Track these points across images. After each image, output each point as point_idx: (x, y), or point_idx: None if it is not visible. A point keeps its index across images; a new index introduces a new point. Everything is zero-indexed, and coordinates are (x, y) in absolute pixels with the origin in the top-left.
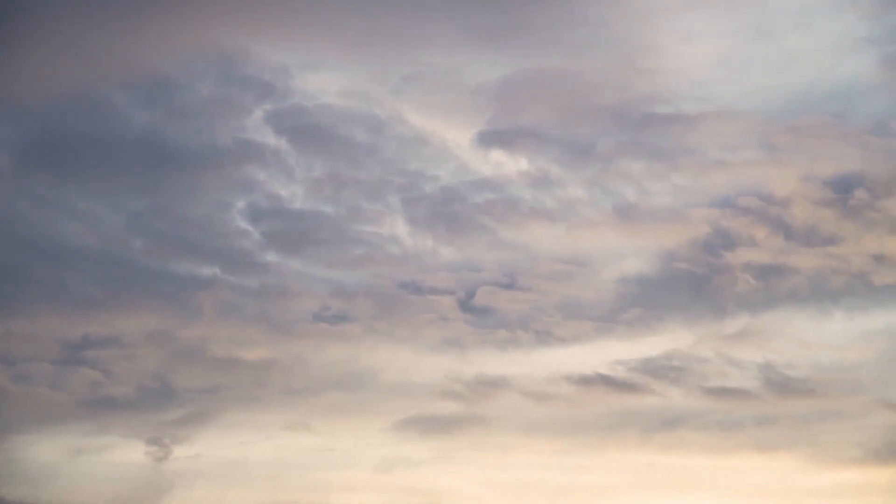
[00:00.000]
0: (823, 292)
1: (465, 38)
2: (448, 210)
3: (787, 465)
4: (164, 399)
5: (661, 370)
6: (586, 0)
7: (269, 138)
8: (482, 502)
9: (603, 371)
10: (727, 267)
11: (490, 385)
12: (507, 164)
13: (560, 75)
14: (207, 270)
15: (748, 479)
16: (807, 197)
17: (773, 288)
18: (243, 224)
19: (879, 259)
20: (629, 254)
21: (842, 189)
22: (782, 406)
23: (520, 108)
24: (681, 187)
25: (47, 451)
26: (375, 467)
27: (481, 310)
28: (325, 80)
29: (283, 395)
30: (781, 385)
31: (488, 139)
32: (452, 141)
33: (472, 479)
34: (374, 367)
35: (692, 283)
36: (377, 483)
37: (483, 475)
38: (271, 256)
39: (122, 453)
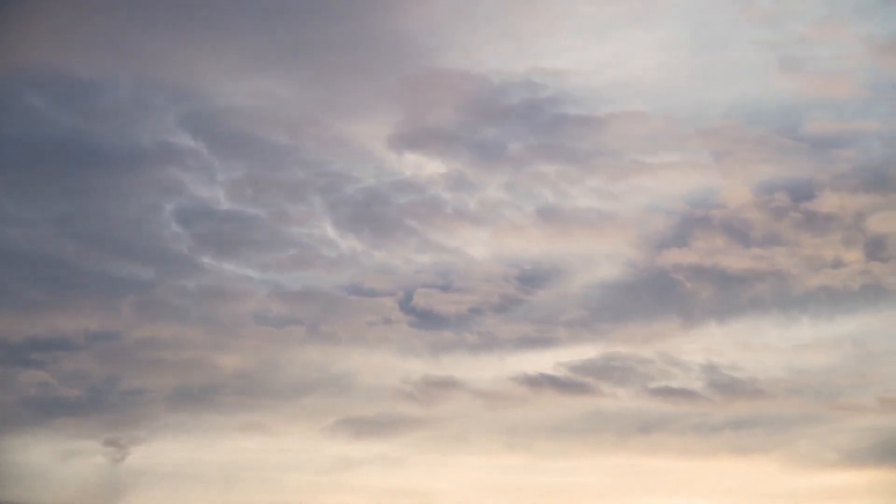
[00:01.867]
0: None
1: (367, 37)
2: (373, 212)
3: (764, 468)
4: (115, 400)
5: (605, 371)
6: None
7: (188, 141)
8: (439, 501)
9: (548, 372)
10: (661, 269)
11: (439, 386)
12: (425, 166)
13: (465, 77)
14: (144, 272)
15: (726, 482)
16: (739, 199)
17: (713, 290)
18: (174, 226)
19: (810, 260)
20: (558, 256)
21: (764, 191)
22: (755, 410)
23: (429, 110)
24: (598, 189)
25: None
26: (328, 468)
27: (422, 311)
28: (235, 83)
29: (236, 397)
30: (748, 389)
31: (401, 141)
32: (368, 142)
33: (429, 478)
34: (323, 369)
35: (631, 285)
36: (330, 483)
37: (438, 474)
38: (206, 258)
39: (76, 454)
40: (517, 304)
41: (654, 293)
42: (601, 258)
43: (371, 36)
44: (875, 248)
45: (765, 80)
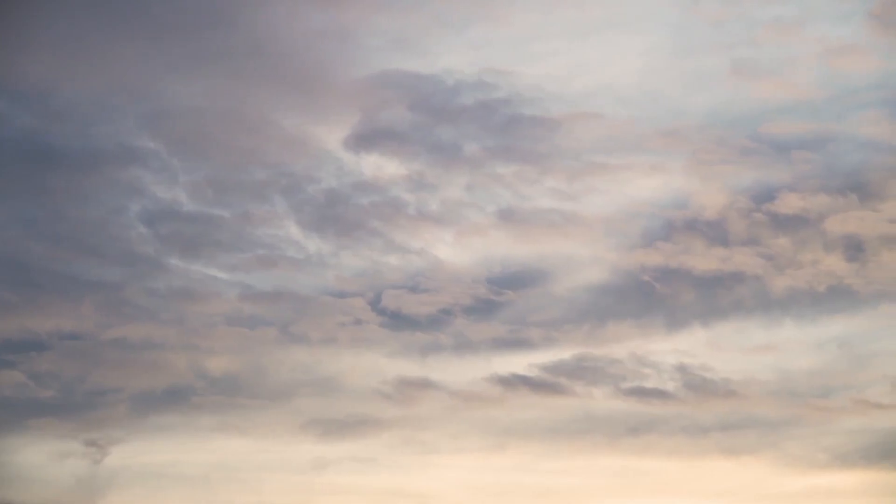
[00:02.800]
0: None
1: (320, 38)
2: (336, 213)
3: (754, 469)
4: (92, 401)
5: (578, 372)
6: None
7: (147, 142)
8: (420, 500)
9: (523, 373)
10: (628, 271)
11: (416, 386)
12: (385, 167)
13: (417, 77)
14: (113, 273)
15: (716, 483)
16: (703, 201)
17: (684, 291)
18: (140, 227)
19: (773, 259)
20: (525, 257)
21: (730, 193)
22: (742, 412)
23: (383, 111)
24: (558, 191)
25: None
26: (306, 468)
27: (392, 313)
28: (190, 83)
29: (212, 398)
30: (736, 392)
31: (358, 142)
32: (326, 143)
33: (408, 477)
34: (298, 370)
35: (600, 287)
36: (308, 484)
37: (417, 473)
38: (173, 259)
39: (56, 455)
40: (488, 305)
41: (624, 295)
42: (568, 260)
43: (324, 36)
44: (849, 249)
45: (723, 83)
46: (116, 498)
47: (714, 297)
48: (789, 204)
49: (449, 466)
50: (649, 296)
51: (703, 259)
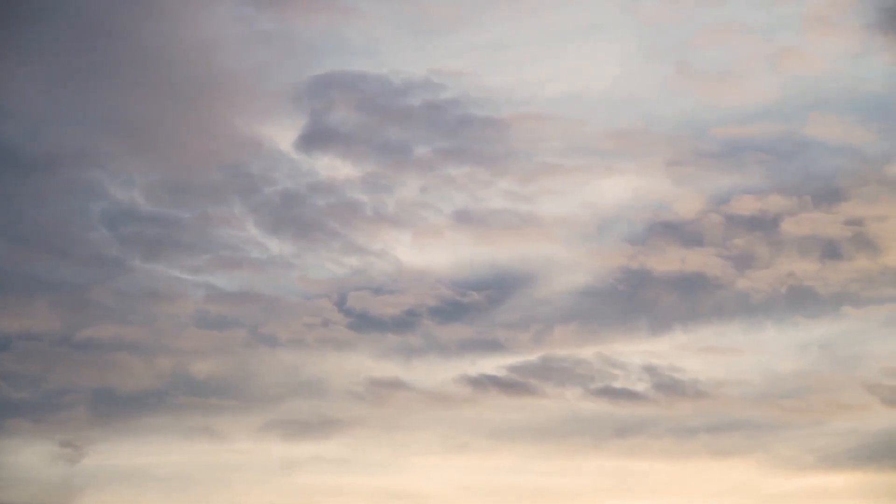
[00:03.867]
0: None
1: (270, 38)
2: (294, 214)
3: (744, 471)
4: (65, 402)
5: (547, 372)
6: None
7: (101, 143)
8: (396, 500)
9: (491, 373)
10: (591, 271)
11: (387, 387)
12: (339, 167)
13: (365, 78)
14: (78, 275)
15: (706, 485)
16: (657, 201)
17: (650, 292)
18: (102, 228)
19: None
20: (485, 260)
21: (685, 194)
22: (730, 414)
23: (334, 112)
24: (512, 192)
25: None
26: (276, 469)
27: (359, 314)
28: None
29: (184, 398)
30: (722, 395)
31: (309, 142)
32: (279, 144)
33: (384, 477)
34: (269, 371)
35: (566, 287)
36: (280, 484)
37: (391, 473)
38: (137, 261)
39: (30, 455)
40: (454, 306)
41: (590, 296)
42: (528, 261)
43: (268, 38)
44: (812, 251)
45: (670, 86)
46: (92, 499)
47: (678, 299)
48: (745, 206)
49: (424, 466)
50: (614, 297)
51: (666, 260)
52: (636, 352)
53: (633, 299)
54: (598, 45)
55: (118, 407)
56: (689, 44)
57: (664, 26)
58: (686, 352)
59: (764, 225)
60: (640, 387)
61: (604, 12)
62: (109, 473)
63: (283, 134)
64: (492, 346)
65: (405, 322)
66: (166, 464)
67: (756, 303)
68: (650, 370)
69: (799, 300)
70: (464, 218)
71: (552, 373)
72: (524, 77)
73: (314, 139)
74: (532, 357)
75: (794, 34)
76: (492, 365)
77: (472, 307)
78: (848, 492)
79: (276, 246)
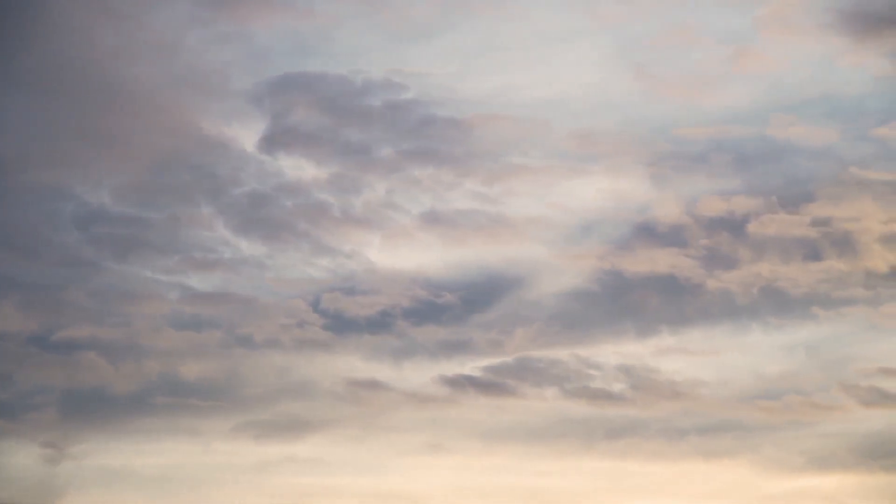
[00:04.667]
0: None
1: (221, 41)
2: (262, 215)
3: (733, 472)
4: (44, 402)
5: (524, 373)
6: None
7: (67, 144)
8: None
9: (468, 373)
10: (563, 271)
11: (365, 387)
12: (304, 168)
13: (325, 78)
14: (51, 276)
15: (697, 486)
16: (623, 201)
17: (621, 293)
18: (73, 230)
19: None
20: (456, 260)
21: (650, 195)
22: (718, 416)
23: (295, 113)
24: (478, 193)
25: None
26: (256, 469)
27: (333, 315)
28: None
29: (164, 399)
30: (706, 397)
31: (272, 143)
32: (245, 145)
33: (363, 477)
34: (248, 372)
35: (541, 288)
36: (258, 484)
37: (369, 473)
38: (110, 262)
39: (12, 455)
40: (428, 307)
41: (566, 297)
42: (499, 262)
43: (227, 40)
44: (776, 252)
45: (629, 87)
46: (73, 499)
47: (651, 300)
48: (713, 207)
49: (405, 466)
50: (587, 299)
51: (637, 262)
52: (613, 352)
53: (605, 300)
54: (559, 47)
55: (95, 407)
56: (650, 46)
57: (624, 28)
58: (661, 352)
59: (732, 226)
60: (617, 387)
61: (565, 15)
62: (90, 474)
63: (246, 135)
64: (467, 347)
65: (380, 323)
66: (146, 465)
67: (729, 303)
68: (626, 370)
69: (771, 301)
70: (432, 219)
71: (529, 373)
72: (485, 78)
73: (277, 140)
74: (508, 358)
75: (753, 35)
76: (468, 366)
77: (446, 308)
78: (838, 493)
79: (248, 247)
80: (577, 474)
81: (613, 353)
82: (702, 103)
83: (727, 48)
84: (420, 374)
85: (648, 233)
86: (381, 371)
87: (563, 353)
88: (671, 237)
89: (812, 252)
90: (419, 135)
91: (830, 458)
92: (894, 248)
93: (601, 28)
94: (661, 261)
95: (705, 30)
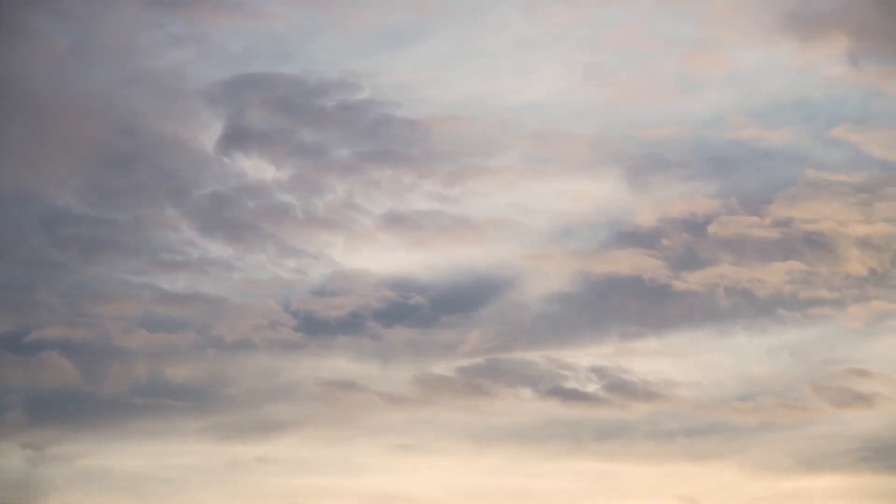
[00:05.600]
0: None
1: (173, 42)
2: (226, 216)
3: (722, 474)
4: (21, 402)
5: (496, 374)
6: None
7: (28, 146)
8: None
9: (443, 373)
10: (530, 272)
11: (340, 388)
12: (264, 170)
13: (277, 79)
14: (21, 277)
15: (686, 487)
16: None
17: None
18: (40, 231)
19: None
20: (421, 261)
21: (609, 195)
22: (708, 419)
23: (250, 113)
24: (437, 194)
25: None
26: (232, 469)
27: (305, 315)
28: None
29: (140, 400)
30: (694, 399)
31: (230, 144)
32: (202, 146)
33: (338, 477)
34: (223, 372)
35: (504, 289)
36: (233, 484)
37: (342, 472)
38: (78, 263)
39: None
40: (399, 308)
41: (537, 298)
42: (464, 263)
43: (180, 41)
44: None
45: (579, 88)
46: (52, 499)
47: (616, 301)
48: (672, 208)
49: (380, 466)
50: (559, 299)
51: (603, 262)
52: (585, 354)
53: (576, 302)
54: (508, 46)
55: (70, 409)
56: (598, 47)
57: (575, 32)
58: (633, 353)
59: (694, 227)
60: (591, 388)
61: (511, 15)
62: (66, 474)
63: (205, 135)
64: (439, 349)
65: (351, 324)
66: (122, 466)
67: (699, 305)
68: (599, 372)
69: (735, 302)
70: (393, 220)
71: (501, 375)
72: (439, 78)
73: (234, 141)
74: (480, 359)
75: (701, 38)
76: (441, 367)
77: (415, 310)
78: (826, 494)
79: (214, 248)
80: (556, 475)
81: (585, 354)
82: (657, 106)
83: (677, 51)
84: (394, 374)
85: (614, 234)
86: (356, 372)
87: (535, 355)
88: (640, 239)
89: (774, 253)
90: (375, 135)
91: (819, 460)
92: (856, 249)
93: (549, 30)
94: (628, 262)
95: (651, 29)
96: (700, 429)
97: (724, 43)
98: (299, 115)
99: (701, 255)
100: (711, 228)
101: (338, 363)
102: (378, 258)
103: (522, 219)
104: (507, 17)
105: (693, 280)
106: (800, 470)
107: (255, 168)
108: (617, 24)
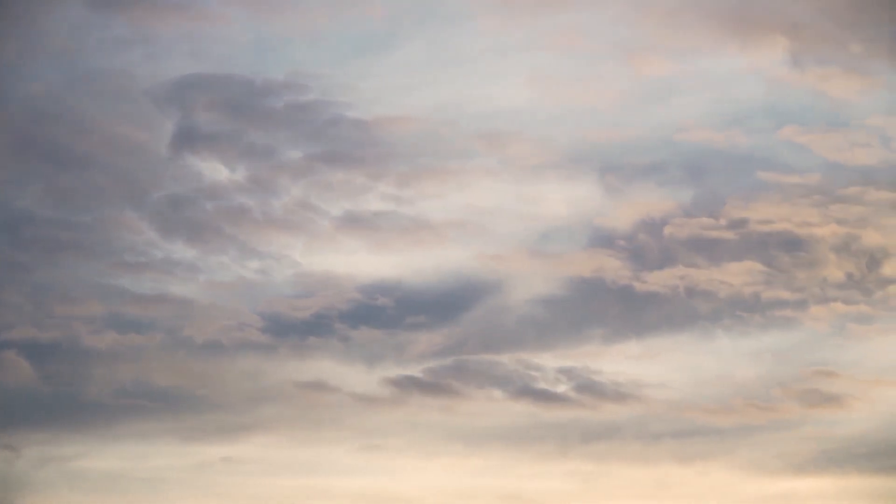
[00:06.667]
0: None
1: (119, 44)
2: (186, 217)
3: (710, 476)
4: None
5: (465, 376)
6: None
7: None
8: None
9: (412, 374)
10: (489, 273)
11: (310, 388)
12: (221, 172)
13: (223, 80)
14: None
15: (674, 489)
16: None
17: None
18: (1, 232)
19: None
20: (382, 263)
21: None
22: (696, 421)
23: (199, 115)
24: (393, 196)
25: None
26: (205, 471)
27: (271, 317)
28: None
29: (111, 401)
30: (685, 401)
31: (183, 146)
32: (155, 148)
33: (312, 477)
34: (193, 374)
35: (465, 291)
36: (203, 487)
37: (317, 473)
38: (43, 264)
39: None
40: (365, 310)
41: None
42: (424, 264)
43: (130, 41)
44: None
45: (525, 88)
46: (28, 500)
47: (574, 302)
48: (626, 210)
49: (352, 466)
50: (528, 301)
51: (561, 263)
52: (552, 356)
53: (540, 302)
54: (452, 45)
55: (38, 409)
56: (541, 49)
57: (513, 29)
58: (598, 355)
59: (650, 229)
60: (561, 388)
61: (462, 18)
62: (35, 475)
63: (157, 137)
64: (406, 349)
65: (318, 325)
66: (90, 468)
67: (661, 306)
68: (567, 372)
69: (694, 303)
70: (351, 222)
71: (470, 375)
72: (389, 79)
73: (185, 142)
74: (447, 361)
75: (646, 40)
76: (410, 367)
77: (381, 311)
78: (814, 497)
79: (177, 249)
80: (523, 477)
81: (553, 356)
82: (605, 109)
83: (622, 55)
84: (364, 375)
85: (577, 236)
86: (327, 373)
87: (503, 357)
88: (602, 240)
89: (730, 254)
90: (326, 137)
91: (804, 463)
92: (815, 251)
93: (493, 29)
94: (590, 264)
95: (596, 37)
96: (677, 431)
97: (669, 47)
98: (248, 117)
99: (659, 256)
100: (668, 230)
101: (308, 364)
102: (340, 260)
103: (480, 220)
104: (458, 19)
105: (653, 281)
106: (789, 472)
107: (212, 170)
108: (558, 28)
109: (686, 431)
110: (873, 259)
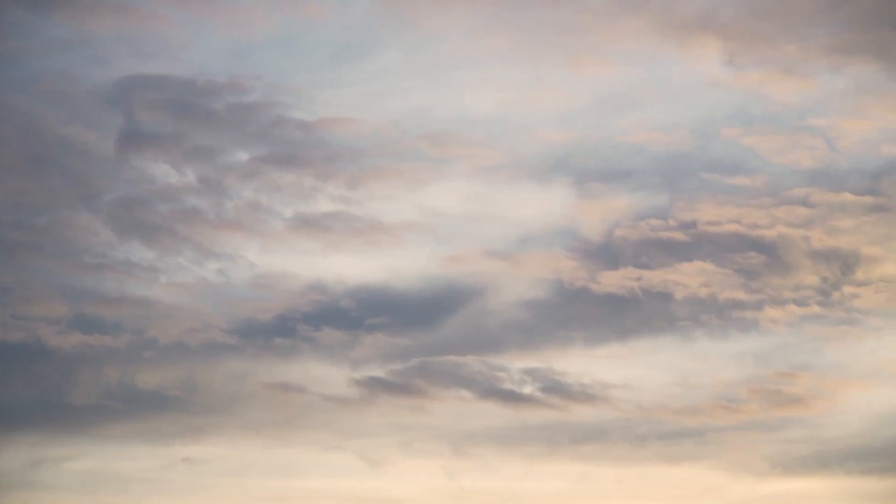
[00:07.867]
0: None
1: (61, 46)
2: (141, 219)
3: (697, 476)
4: None
5: (430, 376)
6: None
7: None
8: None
9: (378, 375)
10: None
11: (278, 389)
12: (171, 173)
13: (166, 81)
14: None
15: (663, 490)
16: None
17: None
18: None
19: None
20: (337, 264)
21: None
22: (682, 423)
23: (143, 116)
24: (343, 197)
25: None
26: (178, 471)
27: (235, 318)
28: None
29: (82, 401)
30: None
31: (130, 147)
32: (104, 150)
33: (285, 480)
34: (162, 375)
35: (432, 293)
36: (180, 485)
37: (292, 475)
38: (1, 266)
39: None
40: (327, 311)
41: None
42: (380, 265)
43: (71, 43)
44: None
45: (465, 89)
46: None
47: (536, 303)
48: (581, 211)
49: (324, 466)
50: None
51: (517, 263)
52: (514, 357)
53: (498, 305)
54: (395, 46)
55: (30, 413)
56: (479, 49)
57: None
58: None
59: (602, 230)
60: (527, 389)
61: (389, 18)
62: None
63: (105, 138)
64: (370, 350)
65: (282, 326)
66: (60, 469)
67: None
68: (532, 373)
69: (656, 304)
70: (303, 223)
71: (435, 376)
72: (330, 79)
73: (130, 143)
74: (412, 362)
75: (588, 35)
76: (375, 368)
77: (343, 312)
78: (803, 497)
79: (135, 251)
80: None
81: (515, 357)
82: (547, 110)
83: (564, 50)
84: (330, 376)
85: (521, 235)
86: (293, 373)
87: (467, 358)
88: (547, 240)
89: (685, 255)
90: (271, 137)
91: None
92: (763, 252)
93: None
94: (548, 265)
95: (535, 38)
96: (646, 434)
97: (609, 51)
98: (191, 118)
99: (610, 256)
100: (618, 232)
101: (274, 365)
102: (296, 261)
103: (431, 221)
104: (389, 20)
105: (607, 282)
106: (776, 473)
107: (160, 171)
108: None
109: (668, 433)
110: (827, 260)
